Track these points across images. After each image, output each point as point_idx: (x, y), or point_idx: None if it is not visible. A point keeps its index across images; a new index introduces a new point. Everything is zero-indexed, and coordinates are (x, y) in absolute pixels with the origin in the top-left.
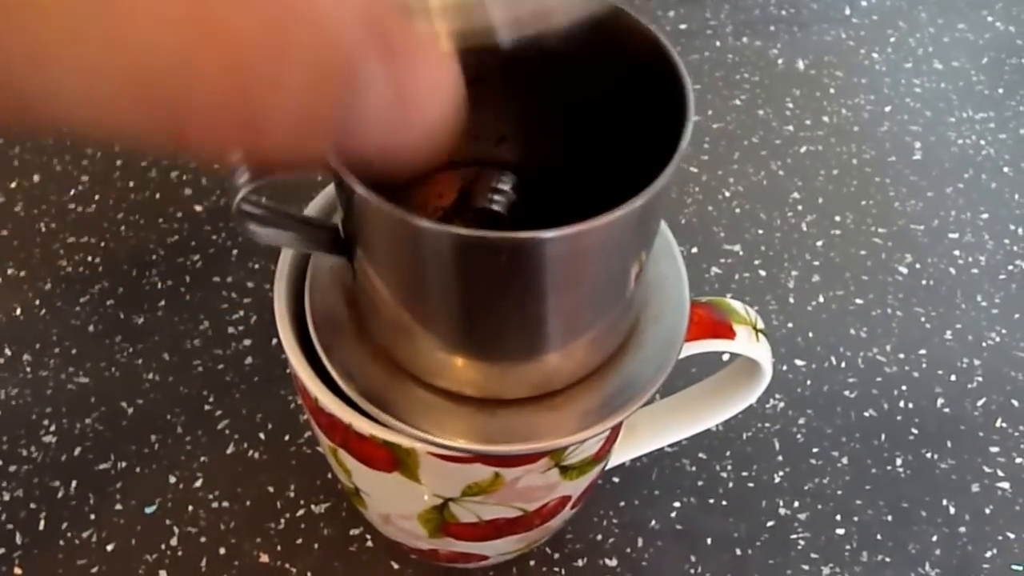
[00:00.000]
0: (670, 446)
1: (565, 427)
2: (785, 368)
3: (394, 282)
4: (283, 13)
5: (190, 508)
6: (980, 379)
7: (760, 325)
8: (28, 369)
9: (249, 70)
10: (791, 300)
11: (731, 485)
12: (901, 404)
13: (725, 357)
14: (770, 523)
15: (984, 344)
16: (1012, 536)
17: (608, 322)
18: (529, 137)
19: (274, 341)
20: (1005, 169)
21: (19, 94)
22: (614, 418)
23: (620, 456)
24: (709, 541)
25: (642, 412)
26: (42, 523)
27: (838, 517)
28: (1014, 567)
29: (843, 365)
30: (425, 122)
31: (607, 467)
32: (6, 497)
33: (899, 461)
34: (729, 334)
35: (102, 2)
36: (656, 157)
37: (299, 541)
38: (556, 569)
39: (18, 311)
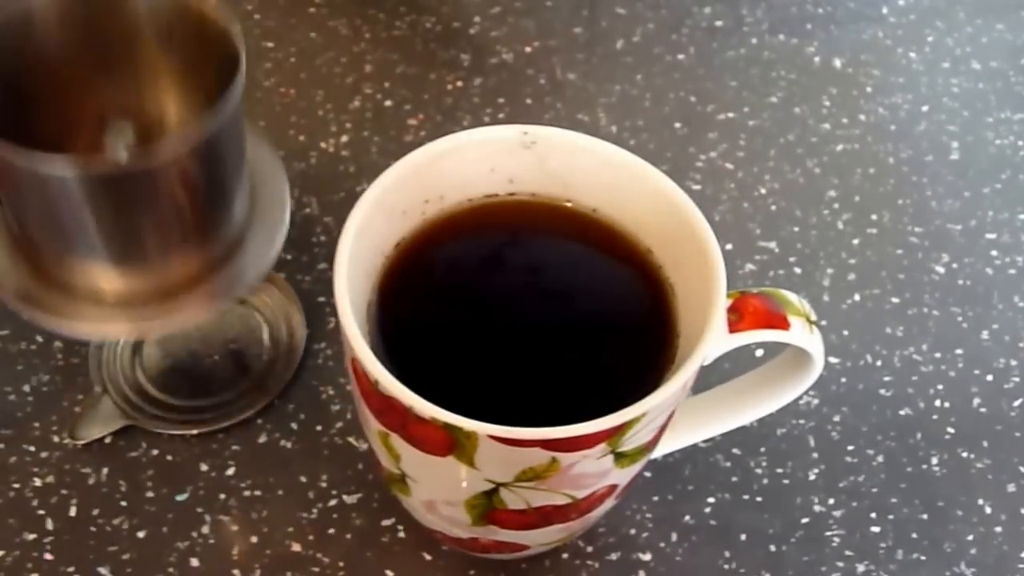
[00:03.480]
0: (704, 441)
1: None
2: None
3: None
4: None
5: (221, 496)
6: (1017, 379)
7: (813, 317)
8: (59, 356)
9: None
10: (826, 298)
11: (765, 481)
12: (937, 403)
13: (759, 353)
14: (805, 520)
15: (1021, 345)
16: None
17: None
18: None
19: (308, 330)
20: None
21: None
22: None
23: (662, 448)
24: (743, 537)
25: (685, 403)
26: (73, 509)
27: (873, 515)
28: None
29: (879, 363)
30: None
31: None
32: (37, 483)
33: (935, 460)
34: (784, 325)
35: None
36: None
37: (331, 531)
38: (589, 562)
39: None
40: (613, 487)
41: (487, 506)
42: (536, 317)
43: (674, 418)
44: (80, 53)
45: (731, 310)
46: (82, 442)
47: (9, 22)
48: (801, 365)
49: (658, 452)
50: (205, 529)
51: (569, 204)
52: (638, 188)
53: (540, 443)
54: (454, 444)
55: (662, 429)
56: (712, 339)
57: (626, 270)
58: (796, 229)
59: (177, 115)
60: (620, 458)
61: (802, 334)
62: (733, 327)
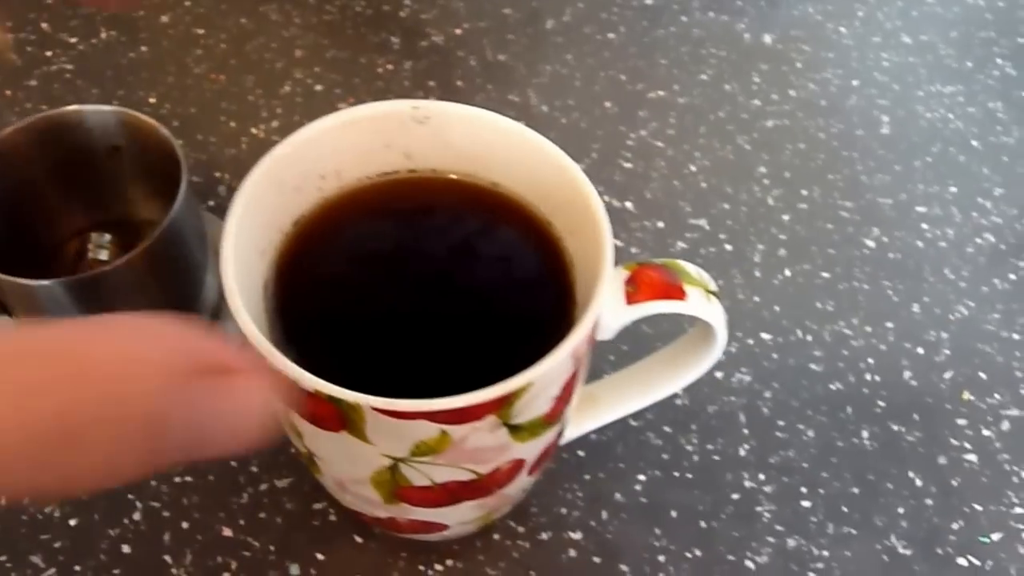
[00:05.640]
0: (635, 420)
1: None
2: (751, 342)
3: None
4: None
5: (153, 483)
6: (948, 352)
7: (712, 287)
8: None
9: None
10: (757, 274)
11: (696, 458)
12: (868, 377)
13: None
14: (735, 496)
15: (951, 317)
16: (979, 508)
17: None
18: None
19: None
20: (973, 143)
21: None
22: None
23: (582, 426)
24: (674, 514)
25: (603, 382)
26: (4, 499)
27: (803, 490)
28: (981, 539)
29: (809, 339)
30: (232, 442)
31: (568, 437)
32: None
33: (865, 434)
34: (680, 295)
35: None
36: None
37: (262, 515)
38: (520, 543)
39: None
40: (519, 462)
41: (393, 483)
42: (437, 292)
43: (594, 396)
44: (48, 175)
45: (629, 282)
46: None
47: None
48: (707, 337)
49: (582, 430)
50: (136, 516)
51: (469, 179)
52: (534, 160)
53: (424, 415)
54: (344, 418)
55: (561, 401)
56: (598, 308)
57: (527, 243)
58: (727, 206)
59: (140, 212)
60: (516, 431)
61: (699, 304)
62: (631, 298)
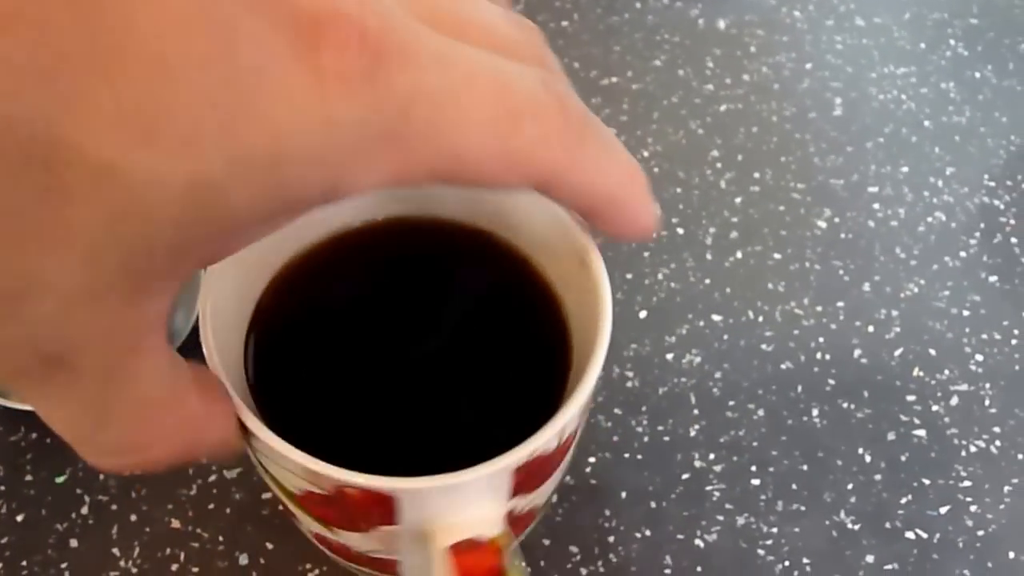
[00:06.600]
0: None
1: None
2: (702, 324)
3: None
4: None
5: (101, 477)
6: (898, 329)
7: None
8: None
9: None
10: (708, 256)
11: (646, 439)
12: (818, 356)
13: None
14: (685, 476)
15: (902, 295)
16: (927, 483)
17: None
18: None
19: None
20: (925, 123)
21: None
22: None
23: None
24: (624, 495)
25: None
26: None
27: (753, 468)
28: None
29: (760, 319)
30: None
31: None
32: None
33: (815, 412)
34: None
35: None
36: None
37: (211, 506)
38: None
39: None
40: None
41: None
42: (419, 355)
43: None
44: None
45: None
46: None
47: None
48: None
49: None
50: (84, 510)
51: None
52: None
53: None
54: None
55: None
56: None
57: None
58: (679, 190)
59: None
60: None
61: None
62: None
